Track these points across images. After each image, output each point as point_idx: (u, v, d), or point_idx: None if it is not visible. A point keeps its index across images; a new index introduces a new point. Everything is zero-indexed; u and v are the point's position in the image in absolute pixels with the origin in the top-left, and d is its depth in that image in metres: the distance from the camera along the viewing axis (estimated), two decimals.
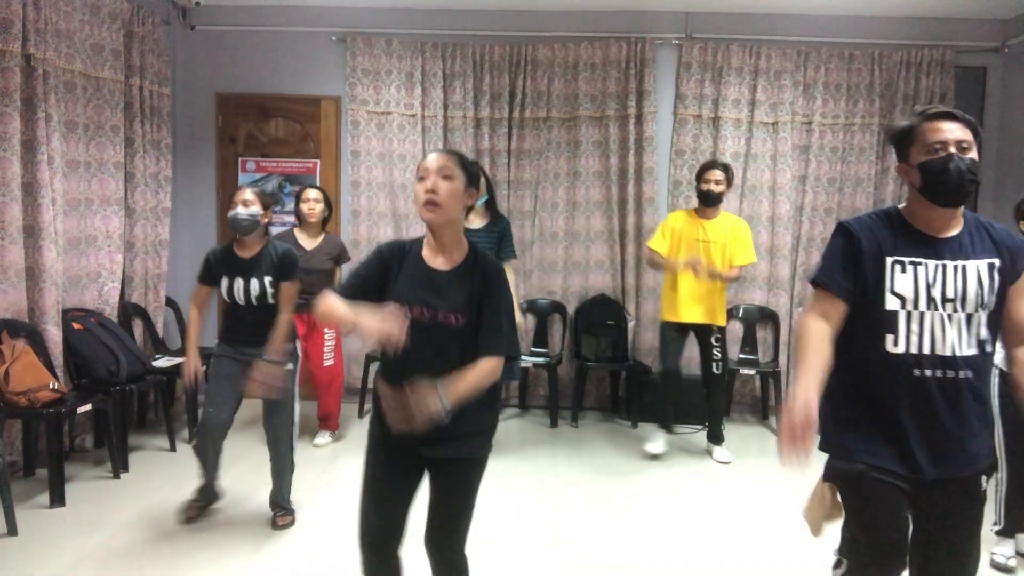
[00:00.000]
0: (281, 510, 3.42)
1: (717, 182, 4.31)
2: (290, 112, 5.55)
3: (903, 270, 1.78)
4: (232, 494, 3.63)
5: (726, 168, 4.39)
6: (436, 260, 2.03)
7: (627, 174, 5.42)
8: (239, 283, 3.25)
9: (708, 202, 4.34)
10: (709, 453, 4.57)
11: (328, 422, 4.64)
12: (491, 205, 4.27)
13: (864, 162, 5.40)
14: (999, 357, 3.13)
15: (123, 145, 4.66)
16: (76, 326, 4.15)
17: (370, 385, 5.00)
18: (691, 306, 4.34)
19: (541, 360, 5.23)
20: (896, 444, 1.80)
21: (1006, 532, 3.23)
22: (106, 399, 3.91)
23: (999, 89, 5.40)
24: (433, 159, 2.01)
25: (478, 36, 5.41)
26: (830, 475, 1.95)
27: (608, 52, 5.37)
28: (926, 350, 1.76)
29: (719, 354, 4.44)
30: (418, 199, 1.99)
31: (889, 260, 1.79)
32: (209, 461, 3.37)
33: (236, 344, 3.31)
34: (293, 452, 3.42)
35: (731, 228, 4.39)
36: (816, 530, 2.01)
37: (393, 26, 5.40)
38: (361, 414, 5.17)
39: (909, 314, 1.76)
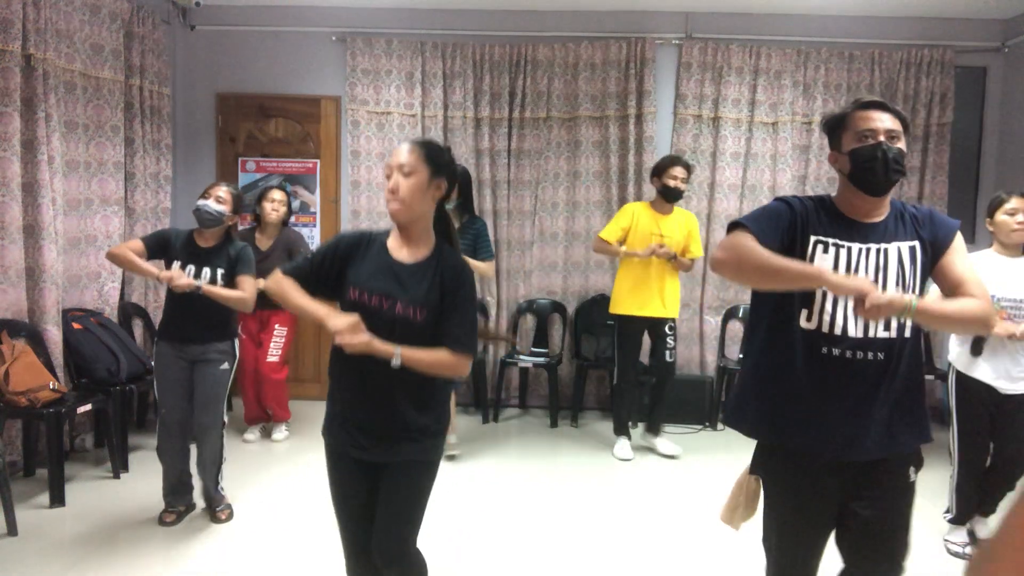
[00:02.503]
0: (215, 503, 3.44)
1: (682, 179, 4.32)
2: (290, 112, 5.55)
3: (825, 250, 1.79)
4: (233, 494, 3.62)
5: (687, 166, 4.40)
6: (401, 252, 2.01)
7: (627, 174, 5.42)
8: (191, 269, 3.25)
9: (670, 198, 4.35)
10: (651, 448, 4.57)
11: (277, 415, 4.68)
12: (467, 207, 4.24)
13: None
14: (953, 354, 3.20)
15: (123, 145, 4.66)
16: (76, 326, 4.15)
17: None
18: (655, 300, 4.35)
19: (541, 360, 5.23)
20: (805, 423, 1.80)
21: (957, 520, 3.34)
22: (106, 399, 3.91)
23: (999, 89, 5.40)
24: (397, 155, 2.00)
25: (478, 36, 5.41)
26: (757, 467, 1.98)
27: (608, 52, 5.37)
28: (837, 330, 1.76)
29: (672, 342, 4.47)
30: (385, 198, 2.02)
31: (813, 238, 1.80)
32: (175, 462, 3.38)
33: (177, 341, 3.29)
34: (223, 447, 3.41)
35: (685, 224, 4.45)
36: (737, 524, 2.05)
37: (393, 26, 5.41)
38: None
39: (824, 293, 1.76)
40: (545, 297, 5.54)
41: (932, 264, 1.81)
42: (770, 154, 5.38)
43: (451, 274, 1.99)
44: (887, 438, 1.79)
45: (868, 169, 1.77)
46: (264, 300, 4.36)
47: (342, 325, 1.84)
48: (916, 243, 1.81)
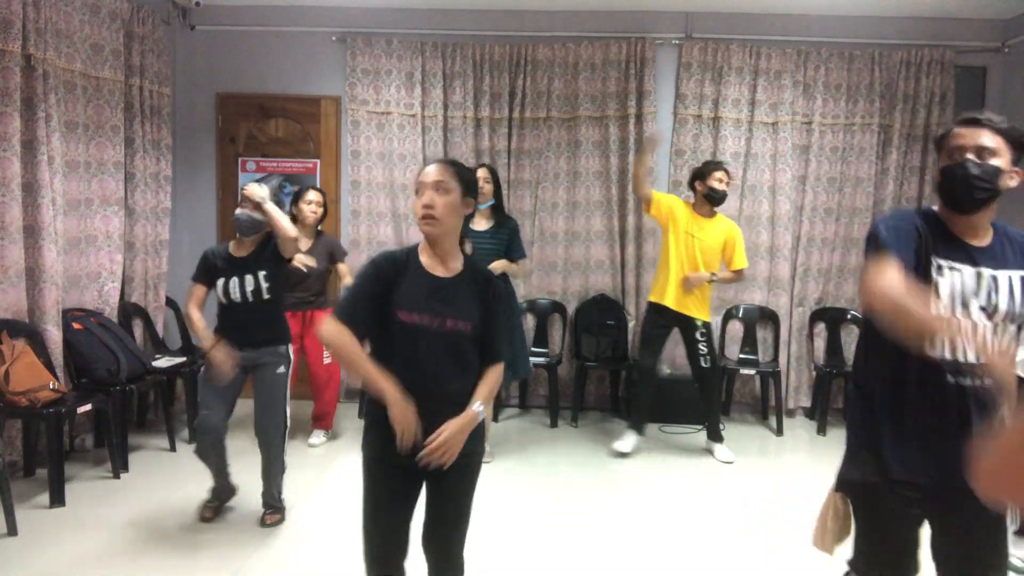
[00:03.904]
0: (271, 508, 3.43)
1: (725, 182, 4.36)
2: (290, 112, 5.55)
3: (941, 273, 1.75)
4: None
5: (728, 171, 4.45)
6: (437, 268, 2.05)
7: (627, 174, 5.41)
8: (235, 281, 3.28)
9: (715, 201, 4.37)
10: (710, 452, 4.57)
11: (323, 421, 4.64)
12: (498, 208, 4.26)
13: (864, 162, 5.40)
14: None
15: (123, 145, 4.66)
16: (76, 326, 4.15)
17: None
18: (677, 295, 4.36)
19: (541, 360, 5.23)
20: (924, 449, 1.75)
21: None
22: (106, 399, 3.91)
23: (999, 89, 5.39)
24: (430, 172, 2.03)
25: (478, 36, 5.41)
26: (842, 485, 1.92)
27: (608, 52, 5.37)
28: (960, 356, 1.71)
29: (705, 348, 4.46)
30: (416, 213, 2.04)
31: (935, 260, 1.77)
32: (213, 463, 3.39)
33: (232, 348, 3.31)
34: (284, 453, 3.43)
35: (725, 232, 4.45)
36: (830, 548, 1.97)
37: (393, 26, 5.41)
38: (361, 414, 5.17)
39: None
40: (545, 297, 5.54)
41: None
42: (770, 154, 5.38)
43: (487, 287, 2.09)
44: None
45: (948, 188, 1.77)
46: (304, 300, 4.40)
47: (402, 418, 1.91)
48: None
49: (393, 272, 2.01)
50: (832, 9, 5.25)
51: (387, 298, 1.99)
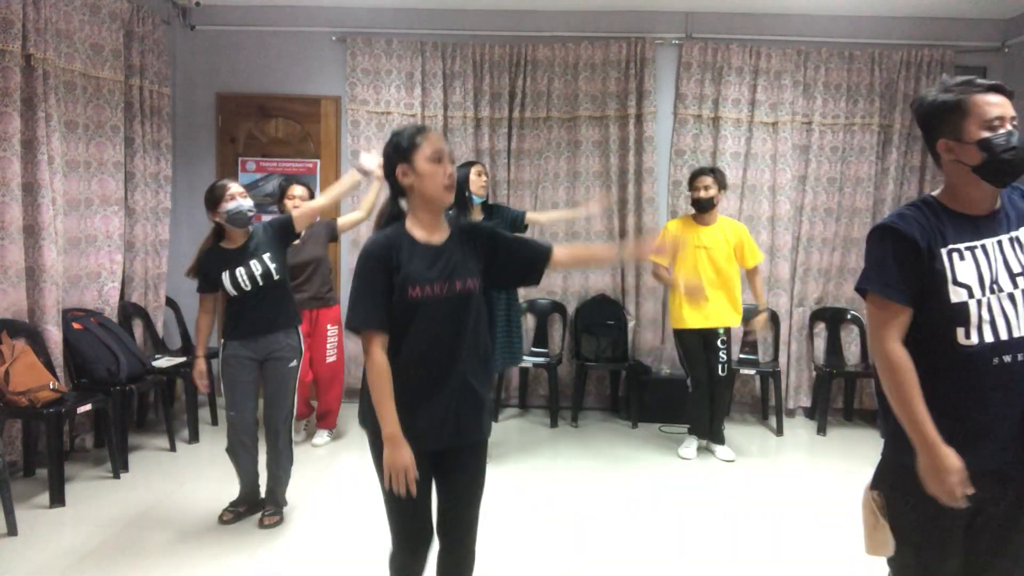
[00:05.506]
0: (271, 509, 3.42)
1: (707, 188, 4.37)
2: (290, 112, 5.55)
3: (961, 257, 1.67)
4: (234, 494, 3.62)
5: (714, 172, 4.46)
6: (433, 236, 2.03)
7: (627, 174, 5.42)
8: (240, 271, 3.23)
9: (701, 208, 4.41)
10: (711, 452, 4.57)
11: (327, 420, 4.63)
12: (485, 203, 4.33)
13: (864, 162, 5.40)
14: None
15: (123, 145, 4.66)
16: (76, 326, 4.15)
17: None
18: (694, 313, 4.39)
19: (541, 360, 5.23)
20: (983, 443, 1.65)
21: None
22: (106, 399, 3.91)
23: None
24: (442, 143, 2.06)
25: (478, 36, 5.41)
26: (881, 481, 1.83)
27: (608, 52, 5.37)
28: (1003, 336, 1.63)
29: (725, 356, 4.49)
30: (437, 181, 2.00)
31: (944, 251, 1.67)
32: (242, 465, 3.41)
33: (246, 337, 3.28)
34: (292, 446, 3.45)
35: (731, 232, 4.47)
36: (889, 548, 1.82)
37: (393, 26, 5.41)
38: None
39: (979, 302, 1.64)
40: (545, 297, 5.54)
41: None
42: (770, 154, 5.38)
43: (474, 233, 2.10)
44: None
45: (1006, 160, 1.64)
46: (313, 297, 4.39)
47: (391, 460, 1.92)
48: None
49: (392, 255, 1.97)
50: (832, 9, 5.25)
51: (392, 283, 1.96)
